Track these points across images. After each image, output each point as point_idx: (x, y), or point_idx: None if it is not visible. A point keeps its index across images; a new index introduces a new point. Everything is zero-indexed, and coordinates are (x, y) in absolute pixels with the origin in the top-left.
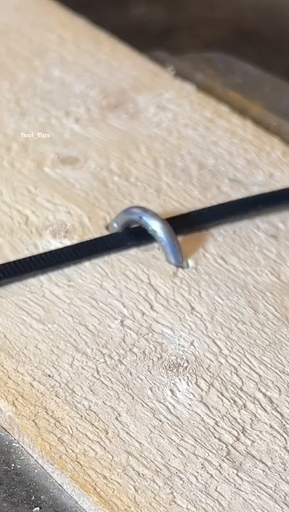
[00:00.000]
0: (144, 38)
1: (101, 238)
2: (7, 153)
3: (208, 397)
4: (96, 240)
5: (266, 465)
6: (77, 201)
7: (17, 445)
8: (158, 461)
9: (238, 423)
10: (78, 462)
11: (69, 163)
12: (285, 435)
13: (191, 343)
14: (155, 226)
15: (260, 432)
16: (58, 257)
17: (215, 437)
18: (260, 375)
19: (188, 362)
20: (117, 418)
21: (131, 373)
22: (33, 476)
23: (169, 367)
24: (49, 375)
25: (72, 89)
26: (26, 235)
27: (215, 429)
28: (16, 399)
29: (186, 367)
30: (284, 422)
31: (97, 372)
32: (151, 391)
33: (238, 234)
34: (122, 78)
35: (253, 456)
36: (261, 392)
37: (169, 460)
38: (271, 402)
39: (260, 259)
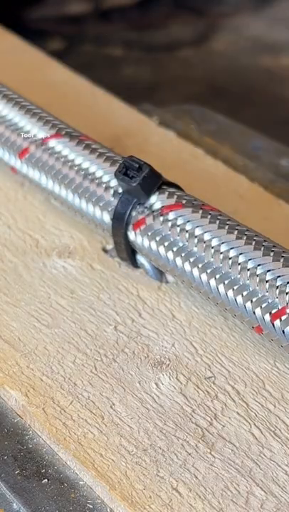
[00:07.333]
0: (133, 93)
1: None
2: (21, 188)
3: (187, 390)
4: None
5: (234, 445)
6: (78, 228)
7: (29, 428)
8: (145, 442)
9: (211, 411)
10: (79, 443)
11: None
12: (249, 421)
13: (172, 345)
14: (142, 261)
15: (229, 418)
16: None
17: (192, 422)
18: (229, 371)
19: (170, 360)
20: (111, 406)
21: (123, 369)
22: (42, 454)
23: (154, 364)
24: (55, 371)
25: None
26: (37, 255)
27: (192, 416)
28: (28, 391)
29: (168, 364)
30: (249, 410)
31: (95, 368)
32: (140, 384)
33: None
34: (115, 126)
35: (224, 438)
36: (230, 385)
37: (154, 441)
38: (238, 393)
39: None
